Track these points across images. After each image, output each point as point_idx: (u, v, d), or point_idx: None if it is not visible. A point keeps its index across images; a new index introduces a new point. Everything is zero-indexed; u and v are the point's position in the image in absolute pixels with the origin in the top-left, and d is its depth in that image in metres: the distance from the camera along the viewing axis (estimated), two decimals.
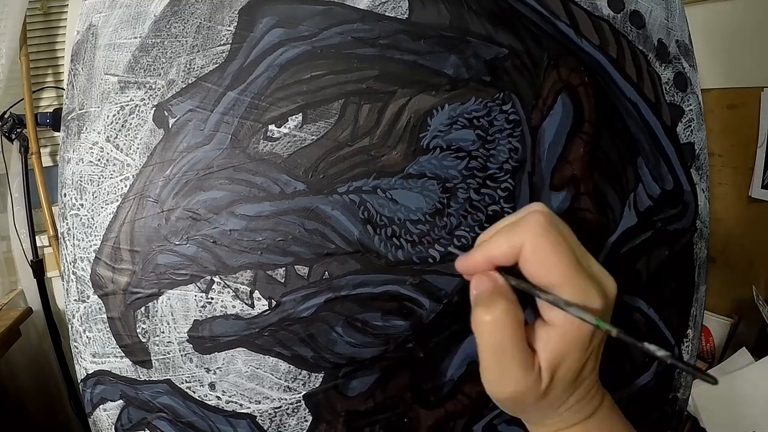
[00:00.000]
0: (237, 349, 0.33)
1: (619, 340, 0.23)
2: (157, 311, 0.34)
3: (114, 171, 0.34)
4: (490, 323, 0.24)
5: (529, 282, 0.24)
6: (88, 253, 0.35)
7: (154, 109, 0.34)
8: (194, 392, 0.34)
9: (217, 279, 0.33)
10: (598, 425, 0.27)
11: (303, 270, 0.33)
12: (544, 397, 0.25)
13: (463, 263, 0.26)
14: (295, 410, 0.34)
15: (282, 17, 0.33)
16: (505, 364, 0.24)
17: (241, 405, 0.34)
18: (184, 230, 0.33)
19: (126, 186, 0.34)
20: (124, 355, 0.35)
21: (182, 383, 0.34)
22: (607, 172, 0.37)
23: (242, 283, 0.33)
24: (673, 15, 0.41)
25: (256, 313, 0.33)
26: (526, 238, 0.24)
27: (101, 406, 0.37)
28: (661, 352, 0.22)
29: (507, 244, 0.24)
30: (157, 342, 0.34)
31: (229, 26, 0.34)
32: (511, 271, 0.25)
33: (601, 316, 0.23)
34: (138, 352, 0.34)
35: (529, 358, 0.24)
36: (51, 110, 1.17)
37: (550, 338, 0.24)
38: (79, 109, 0.37)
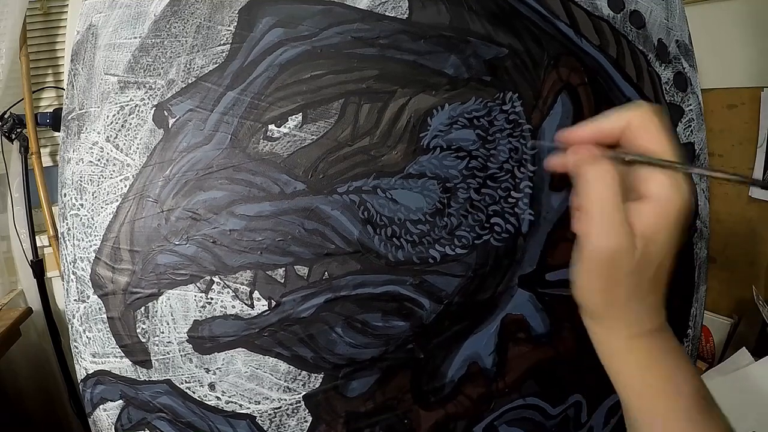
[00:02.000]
0: (237, 349, 0.33)
1: None
2: (156, 311, 0.34)
3: (114, 171, 0.34)
4: (601, 174, 0.26)
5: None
6: (88, 253, 0.35)
7: (154, 109, 0.34)
8: (194, 392, 0.34)
9: (216, 279, 0.33)
10: (666, 342, 0.28)
11: (303, 270, 0.33)
12: (637, 271, 0.26)
13: (571, 134, 0.28)
14: (295, 411, 0.34)
15: (282, 17, 0.33)
16: (609, 215, 0.26)
17: (240, 405, 0.34)
18: (183, 230, 0.33)
19: (126, 186, 0.34)
20: (123, 355, 0.35)
21: (182, 383, 0.34)
22: None
23: (242, 284, 0.33)
24: (673, 15, 0.41)
25: (255, 314, 0.33)
26: (636, 114, 0.26)
27: (101, 406, 0.37)
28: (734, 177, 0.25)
29: (617, 117, 0.26)
30: (157, 342, 0.34)
31: (229, 26, 0.33)
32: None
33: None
34: (138, 352, 0.34)
35: (626, 222, 0.26)
36: (51, 110, 1.17)
37: (645, 210, 0.26)
38: (79, 109, 0.37)
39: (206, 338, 0.33)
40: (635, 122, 0.26)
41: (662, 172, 0.26)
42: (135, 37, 0.35)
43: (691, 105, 0.41)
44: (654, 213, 0.26)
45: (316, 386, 0.33)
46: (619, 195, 0.26)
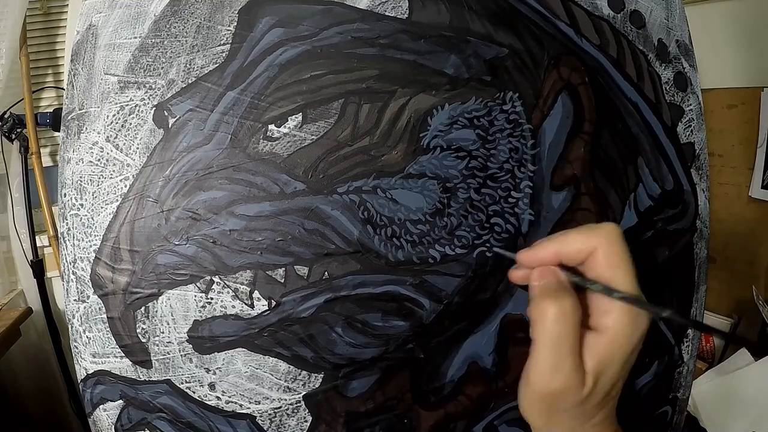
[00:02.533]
0: (237, 349, 0.33)
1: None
2: (156, 311, 0.34)
3: (114, 171, 0.34)
4: (556, 313, 0.25)
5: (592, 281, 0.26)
6: (88, 253, 0.35)
7: (154, 109, 0.34)
8: (194, 392, 0.34)
9: (216, 279, 0.33)
10: None
11: (303, 270, 0.33)
12: (583, 403, 0.25)
13: (528, 255, 0.27)
14: (295, 411, 0.34)
15: (282, 17, 0.33)
16: (561, 357, 0.25)
17: (240, 405, 0.34)
18: (183, 230, 0.33)
19: (126, 186, 0.34)
20: (124, 355, 0.35)
21: (182, 383, 0.34)
22: (608, 172, 0.37)
23: (242, 283, 0.33)
24: (673, 15, 0.41)
25: (255, 314, 0.33)
26: (602, 242, 0.25)
27: (101, 406, 0.37)
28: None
29: (583, 243, 0.26)
30: (157, 342, 0.34)
31: (229, 26, 0.33)
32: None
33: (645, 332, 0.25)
34: (138, 352, 0.34)
35: (579, 358, 0.25)
36: (51, 110, 1.17)
37: (599, 344, 0.25)
38: (79, 109, 0.37)
39: (206, 338, 0.33)
40: (602, 250, 0.25)
41: (621, 306, 0.25)
42: (135, 37, 0.35)
43: (691, 105, 0.41)
44: (608, 348, 0.25)
45: (316, 386, 0.33)
46: (577, 336, 0.25)
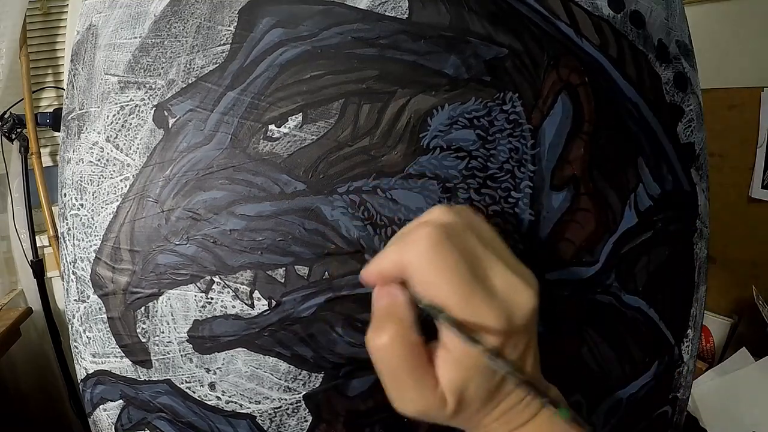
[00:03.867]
0: (237, 349, 0.33)
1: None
2: (157, 311, 0.34)
3: (114, 171, 0.34)
4: (380, 348, 0.23)
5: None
6: (88, 253, 0.35)
7: (154, 109, 0.34)
8: (194, 392, 0.34)
9: (217, 279, 0.33)
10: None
11: (303, 270, 0.33)
12: (455, 417, 0.24)
13: (363, 278, 0.25)
14: (295, 410, 0.34)
15: (282, 17, 0.33)
16: (400, 387, 0.23)
17: (241, 405, 0.34)
18: (184, 230, 0.33)
19: (126, 186, 0.34)
20: (124, 355, 0.35)
21: (182, 383, 0.34)
22: (608, 173, 0.37)
23: (242, 283, 0.33)
24: (673, 15, 0.41)
25: (256, 313, 0.33)
26: (410, 255, 0.22)
27: (101, 406, 0.37)
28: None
29: (394, 260, 0.23)
30: (157, 342, 0.34)
31: (229, 26, 0.33)
32: None
33: (506, 338, 0.22)
34: (138, 352, 0.34)
35: (429, 380, 0.23)
36: (51, 110, 1.17)
37: (448, 362, 0.23)
38: (79, 109, 0.37)
39: (206, 338, 0.33)
40: (413, 266, 0.22)
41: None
42: (135, 37, 0.35)
43: (691, 105, 0.41)
44: (453, 366, 0.22)
45: (317, 386, 0.33)
46: (414, 361, 0.22)
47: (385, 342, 0.23)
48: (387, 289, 0.24)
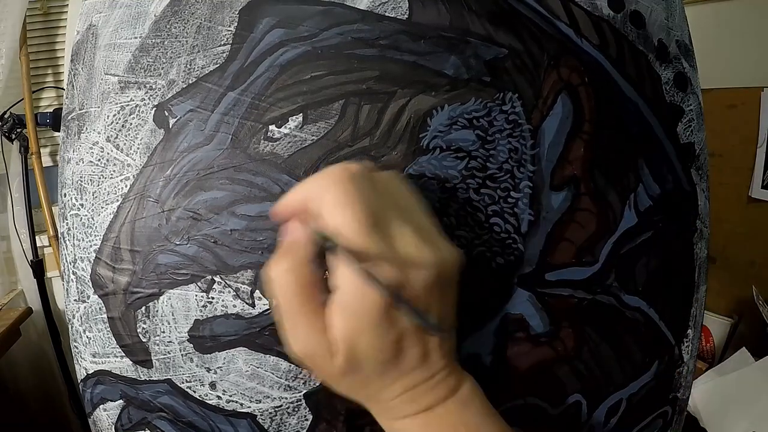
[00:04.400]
0: (238, 348, 0.33)
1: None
2: (157, 311, 0.34)
3: (114, 171, 0.35)
4: (273, 278, 0.23)
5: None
6: (88, 253, 0.35)
7: (154, 109, 0.34)
8: (195, 392, 0.34)
9: (217, 279, 0.33)
10: (443, 418, 0.24)
11: None
12: (347, 375, 0.23)
13: (270, 212, 0.25)
14: (296, 409, 0.34)
15: (282, 17, 0.33)
16: (292, 321, 0.23)
17: (241, 404, 0.34)
18: (184, 230, 0.33)
19: (126, 186, 0.34)
20: (124, 355, 0.35)
21: (183, 383, 0.34)
22: (608, 173, 0.37)
23: (243, 283, 0.33)
24: (673, 15, 0.41)
25: (256, 313, 0.33)
26: (315, 187, 0.23)
27: (101, 406, 0.37)
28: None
29: (296, 195, 0.23)
30: (158, 342, 0.34)
31: (230, 26, 0.34)
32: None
33: (401, 283, 0.21)
34: (138, 352, 0.35)
35: (319, 321, 0.22)
36: (51, 110, 1.17)
37: (338, 306, 0.22)
38: (79, 109, 0.37)
39: (207, 337, 0.33)
40: (310, 200, 0.23)
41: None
42: (135, 37, 0.35)
43: (691, 105, 0.41)
44: (344, 311, 0.22)
45: (317, 384, 0.34)
46: (303, 296, 0.22)
47: (277, 272, 0.23)
48: (290, 224, 0.24)
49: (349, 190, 0.22)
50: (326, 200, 0.22)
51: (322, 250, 0.23)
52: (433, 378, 0.24)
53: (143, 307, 0.34)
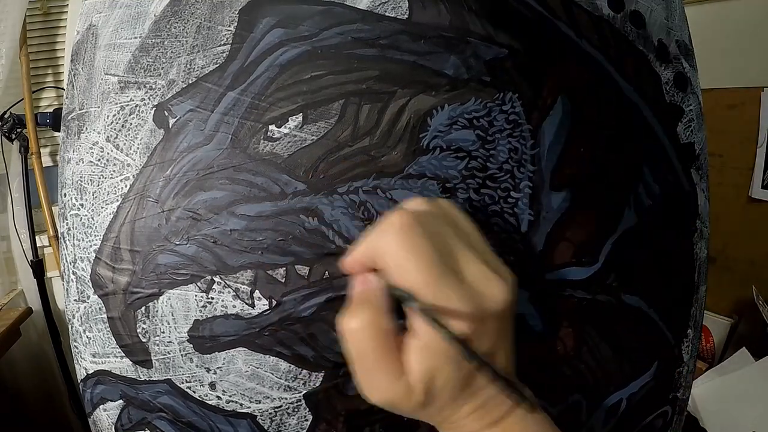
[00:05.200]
0: (237, 348, 0.33)
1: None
2: (157, 311, 0.34)
3: (114, 171, 0.35)
4: (351, 332, 0.23)
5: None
6: (88, 253, 0.35)
7: (154, 109, 0.34)
8: (194, 392, 0.34)
9: (217, 279, 0.33)
10: (511, 428, 0.24)
11: (303, 270, 0.33)
12: (425, 408, 0.24)
13: (343, 265, 0.26)
14: (296, 410, 0.34)
15: (282, 17, 0.33)
16: (369, 372, 0.23)
17: (241, 405, 0.34)
18: (184, 230, 0.33)
19: (126, 186, 0.34)
20: (124, 355, 0.35)
21: (182, 383, 0.34)
22: (608, 173, 0.37)
23: (243, 283, 0.33)
24: (673, 15, 0.41)
25: (256, 313, 0.33)
26: (381, 241, 0.23)
27: (101, 406, 0.37)
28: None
29: (368, 246, 0.24)
30: (158, 342, 0.34)
31: (230, 26, 0.34)
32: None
33: (475, 326, 0.22)
34: (138, 352, 0.35)
35: (397, 368, 0.23)
36: (51, 110, 1.17)
37: (416, 349, 0.23)
38: (79, 109, 0.37)
39: (207, 338, 0.33)
40: (383, 249, 0.23)
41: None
42: (135, 37, 0.35)
43: (691, 105, 0.41)
44: (422, 353, 0.22)
45: (317, 385, 0.34)
46: (383, 349, 0.23)
47: (356, 326, 0.23)
48: (363, 275, 0.24)
49: (412, 239, 0.22)
50: (391, 253, 0.23)
51: (395, 298, 0.23)
52: (500, 393, 0.24)
53: (143, 308, 0.34)
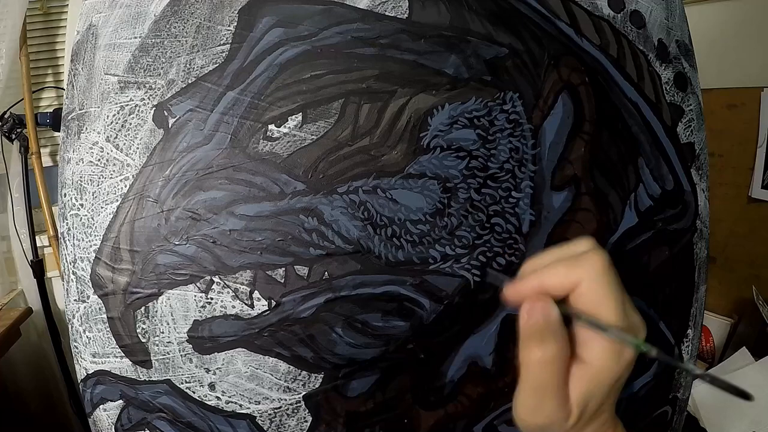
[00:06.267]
0: (237, 349, 0.33)
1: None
2: (156, 311, 0.34)
3: (114, 171, 0.34)
4: (540, 361, 0.24)
5: (579, 313, 0.25)
6: (88, 253, 0.35)
7: (153, 109, 0.34)
8: (194, 392, 0.34)
9: (216, 279, 0.33)
10: None
11: (303, 270, 0.33)
12: (570, 428, 0.25)
13: (515, 291, 0.26)
14: (295, 411, 0.34)
15: (282, 17, 0.33)
16: (544, 400, 0.24)
17: (240, 405, 0.34)
18: (183, 230, 0.33)
19: (126, 186, 0.34)
20: (124, 355, 0.35)
21: (182, 383, 0.34)
22: (608, 172, 0.37)
23: (242, 284, 0.33)
24: (673, 15, 0.41)
25: (255, 314, 0.33)
26: (585, 275, 0.24)
27: (101, 406, 0.37)
28: (696, 371, 0.24)
29: (566, 277, 0.25)
30: (157, 342, 0.34)
31: (229, 26, 0.33)
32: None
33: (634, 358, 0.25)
34: (138, 352, 0.34)
35: (566, 395, 0.24)
36: (51, 110, 1.17)
37: (584, 376, 0.25)
38: (79, 109, 0.37)
39: (206, 338, 0.33)
40: (586, 285, 0.24)
41: (605, 340, 0.24)
42: (135, 37, 0.35)
43: (691, 105, 0.41)
44: (593, 381, 0.24)
45: (316, 386, 0.33)
46: (562, 379, 0.24)
47: (545, 356, 0.24)
48: (541, 304, 0.25)
49: (613, 279, 0.24)
50: (597, 288, 0.24)
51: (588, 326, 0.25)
52: (609, 419, 0.27)
53: (142, 308, 0.34)
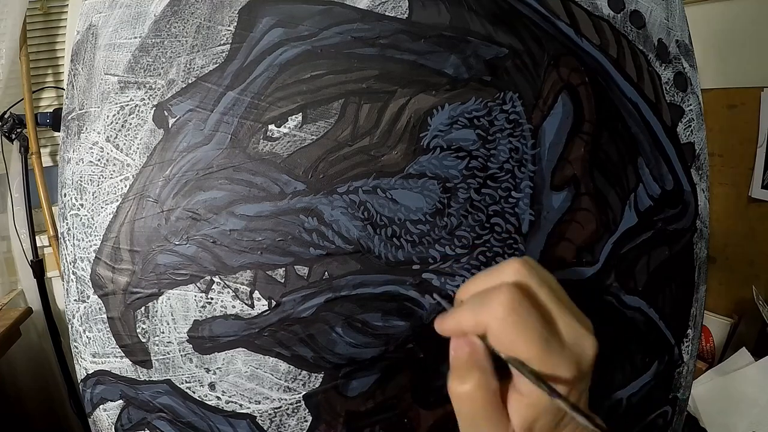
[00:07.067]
0: (237, 349, 0.33)
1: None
2: (156, 311, 0.34)
3: (114, 171, 0.34)
4: (463, 395, 0.24)
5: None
6: (88, 253, 0.35)
7: (154, 109, 0.34)
8: (194, 392, 0.34)
9: (216, 279, 0.33)
10: None
11: (303, 270, 0.33)
12: None
13: (440, 328, 0.26)
14: (295, 410, 0.34)
15: (282, 17, 0.33)
16: (480, 428, 0.25)
17: (240, 405, 0.34)
18: (183, 230, 0.33)
19: (126, 186, 0.34)
20: (124, 355, 0.35)
21: (182, 383, 0.34)
22: (608, 172, 0.37)
23: (242, 283, 0.33)
24: (673, 15, 0.41)
25: (255, 313, 0.33)
26: (491, 317, 0.24)
27: (101, 406, 0.37)
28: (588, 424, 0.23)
29: (473, 320, 0.25)
30: (157, 342, 0.34)
31: (229, 26, 0.33)
32: None
33: (575, 383, 0.24)
34: (138, 352, 0.34)
35: (504, 422, 0.25)
36: (51, 110, 1.17)
37: (521, 405, 0.25)
38: (79, 109, 0.37)
39: (206, 338, 0.33)
40: (494, 325, 0.24)
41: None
42: (135, 37, 0.35)
43: (691, 105, 0.41)
44: (527, 408, 0.24)
45: (316, 386, 0.33)
46: (492, 408, 0.24)
47: (468, 390, 0.24)
48: (466, 339, 0.25)
49: (522, 318, 0.24)
50: (501, 330, 0.24)
51: (499, 360, 0.24)
52: (580, 428, 0.26)
53: (143, 308, 0.34)
